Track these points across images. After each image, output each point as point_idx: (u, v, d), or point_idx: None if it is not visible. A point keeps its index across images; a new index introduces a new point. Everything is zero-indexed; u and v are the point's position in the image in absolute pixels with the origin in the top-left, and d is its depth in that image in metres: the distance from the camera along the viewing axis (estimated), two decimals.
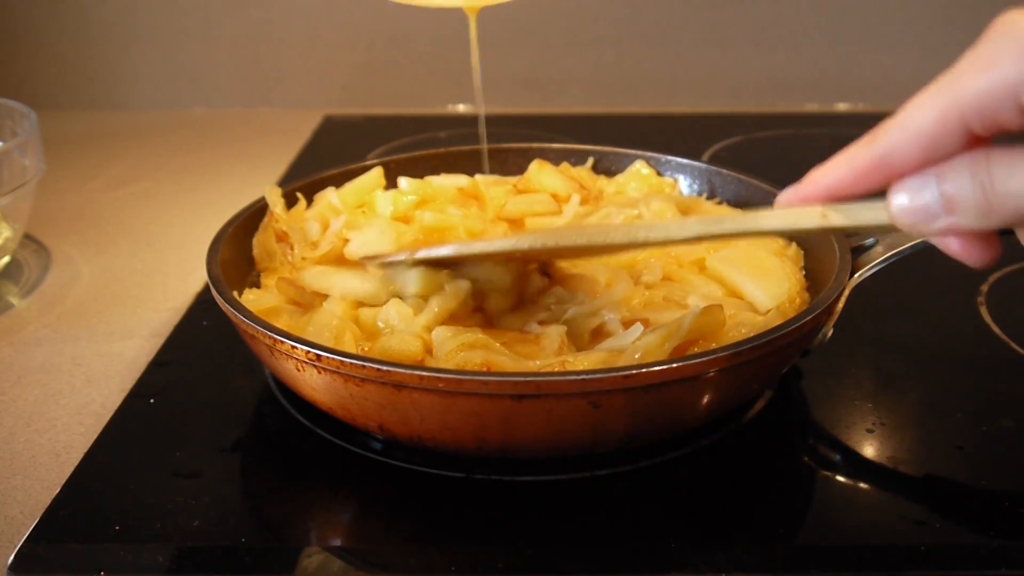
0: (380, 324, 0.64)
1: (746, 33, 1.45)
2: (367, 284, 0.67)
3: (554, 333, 0.62)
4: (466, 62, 1.48)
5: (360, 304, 0.66)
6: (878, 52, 1.45)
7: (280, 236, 0.76)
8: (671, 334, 0.59)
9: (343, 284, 0.67)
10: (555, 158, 0.91)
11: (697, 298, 0.66)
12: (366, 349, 0.62)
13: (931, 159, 0.41)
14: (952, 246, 0.46)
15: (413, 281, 0.64)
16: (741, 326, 0.63)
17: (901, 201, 0.43)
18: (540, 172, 0.86)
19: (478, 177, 0.88)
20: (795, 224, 0.50)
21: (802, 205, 0.48)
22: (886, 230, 0.49)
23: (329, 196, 0.82)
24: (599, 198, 0.86)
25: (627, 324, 0.63)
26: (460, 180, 0.84)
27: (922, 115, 0.40)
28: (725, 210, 0.82)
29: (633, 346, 0.59)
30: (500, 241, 0.64)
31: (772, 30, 1.45)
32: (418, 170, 0.90)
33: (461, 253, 0.64)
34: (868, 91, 1.47)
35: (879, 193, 0.45)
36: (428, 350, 0.61)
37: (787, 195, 0.49)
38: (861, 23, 1.44)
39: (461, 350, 0.59)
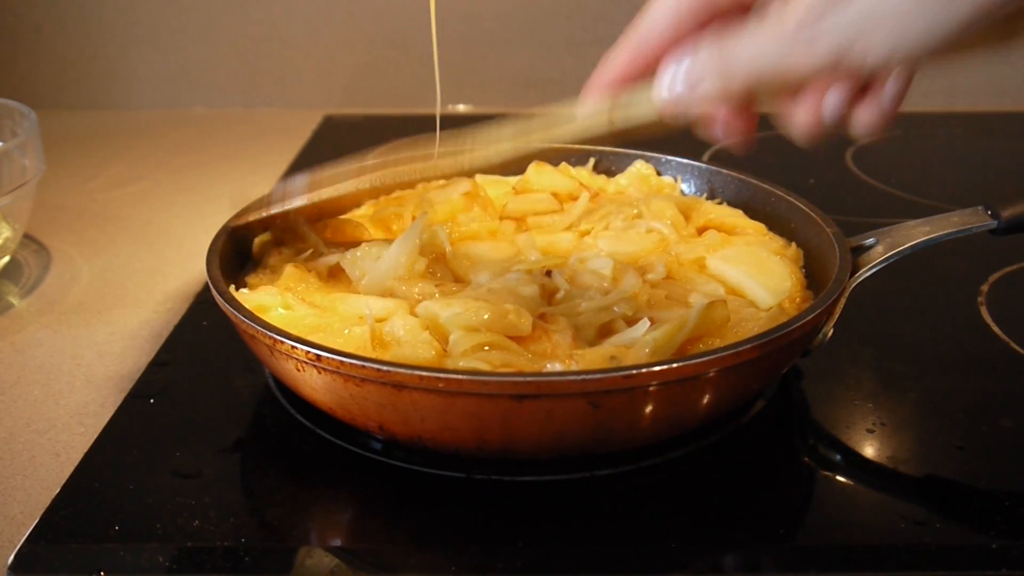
0: (386, 336, 0.63)
1: None
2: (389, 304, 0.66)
3: (565, 331, 0.62)
4: (466, 62, 1.48)
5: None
6: None
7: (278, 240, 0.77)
8: (679, 328, 0.59)
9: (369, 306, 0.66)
10: (555, 158, 0.91)
11: (699, 296, 0.66)
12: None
13: (678, 36, 0.52)
14: (717, 130, 0.54)
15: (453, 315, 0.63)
16: (745, 322, 0.63)
17: (660, 90, 0.51)
18: (539, 173, 0.86)
19: (479, 178, 0.89)
20: (586, 132, 0.57)
21: (593, 100, 0.57)
22: (656, 124, 0.54)
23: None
24: (598, 196, 0.86)
25: (630, 322, 0.63)
26: (463, 186, 0.83)
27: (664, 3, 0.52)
28: (725, 210, 0.82)
29: (642, 340, 0.59)
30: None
31: None
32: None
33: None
34: None
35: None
36: (442, 357, 0.60)
37: (614, 66, 0.56)
38: None
39: (477, 351, 0.59)
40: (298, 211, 0.77)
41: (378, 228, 0.82)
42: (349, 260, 0.71)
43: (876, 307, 0.79)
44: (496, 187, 0.88)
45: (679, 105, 0.50)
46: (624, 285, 0.68)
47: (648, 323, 0.61)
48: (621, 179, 0.90)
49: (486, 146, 0.63)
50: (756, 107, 0.53)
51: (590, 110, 0.57)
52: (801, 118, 0.51)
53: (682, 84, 0.50)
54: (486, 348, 0.59)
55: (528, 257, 0.74)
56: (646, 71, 0.54)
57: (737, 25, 0.48)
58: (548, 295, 0.68)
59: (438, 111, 0.88)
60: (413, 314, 0.65)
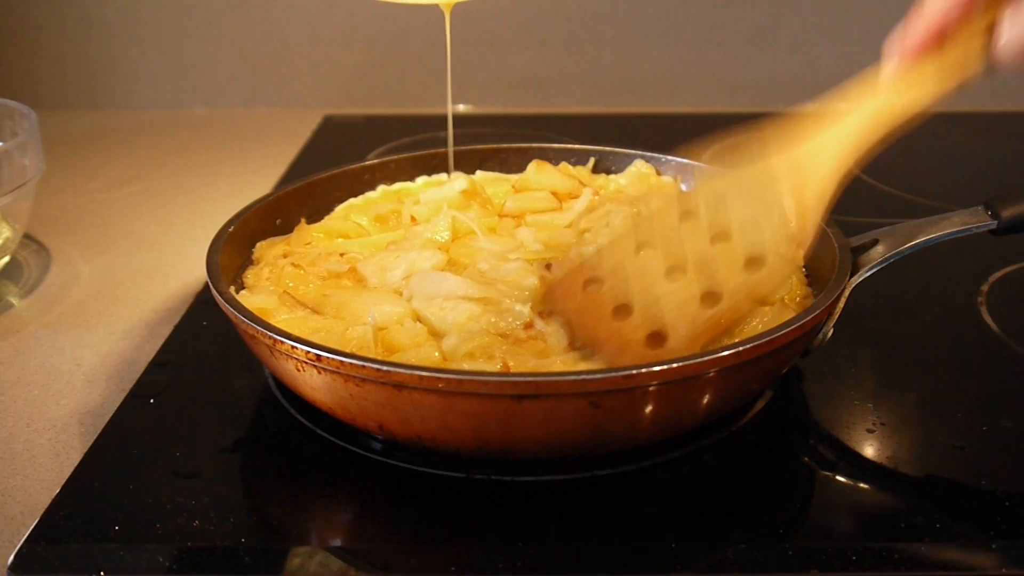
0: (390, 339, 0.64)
1: (746, 33, 1.45)
2: (398, 308, 0.66)
3: (559, 331, 0.62)
4: (466, 62, 1.48)
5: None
6: (878, 52, 1.45)
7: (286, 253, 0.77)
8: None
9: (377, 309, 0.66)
10: (555, 158, 0.91)
11: None
12: None
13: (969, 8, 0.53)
14: None
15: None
16: (750, 318, 0.63)
17: (1004, 38, 0.52)
18: (539, 173, 0.86)
19: (479, 175, 0.89)
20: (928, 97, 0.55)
21: (915, 55, 0.56)
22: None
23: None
24: (598, 195, 0.86)
25: None
26: (459, 183, 0.84)
27: None
28: None
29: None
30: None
31: (772, 30, 1.45)
32: (417, 170, 0.90)
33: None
34: None
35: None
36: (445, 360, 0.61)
37: (901, 44, 0.57)
38: (861, 23, 1.44)
39: (478, 351, 0.59)
40: (297, 209, 0.78)
41: (375, 225, 0.82)
42: (367, 266, 0.72)
43: (876, 307, 0.79)
44: (495, 185, 0.88)
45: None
46: None
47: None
48: (620, 179, 0.90)
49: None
50: None
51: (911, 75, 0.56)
52: None
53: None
54: (484, 348, 0.59)
55: (531, 248, 0.74)
56: (941, 40, 0.55)
57: None
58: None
59: (449, 113, 0.88)
60: (415, 317, 0.65)
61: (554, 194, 0.84)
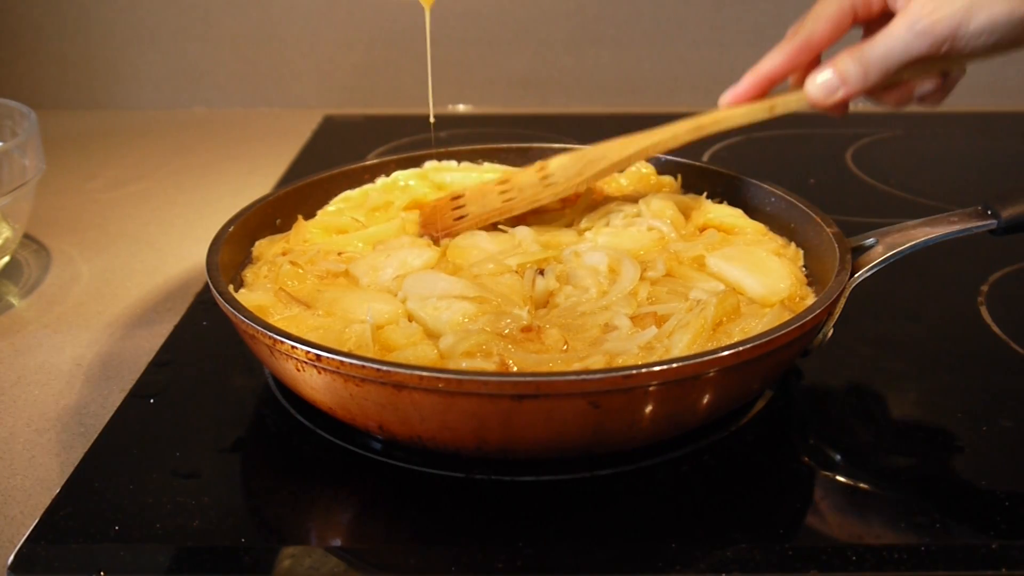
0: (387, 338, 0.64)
1: (746, 33, 1.45)
2: (391, 307, 0.66)
3: (556, 331, 0.62)
4: (467, 62, 1.48)
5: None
6: None
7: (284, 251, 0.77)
8: (704, 323, 0.61)
9: (373, 308, 0.66)
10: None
11: (700, 292, 0.66)
12: None
13: (836, 36, 0.70)
14: (838, 110, 0.69)
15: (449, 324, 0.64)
16: (751, 318, 0.63)
17: (812, 88, 0.68)
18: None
19: (486, 166, 0.89)
20: (749, 119, 0.73)
21: (748, 102, 0.73)
22: (804, 109, 0.71)
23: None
24: (602, 193, 0.86)
25: (635, 320, 0.63)
26: (490, 175, 0.86)
27: (828, 9, 0.69)
28: (725, 209, 0.82)
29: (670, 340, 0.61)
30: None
31: (771, 30, 1.44)
32: None
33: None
34: None
35: (802, 74, 0.71)
36: (443, 358, 0.61)
37: (733, 94, 0.73)
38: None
39: (475, 350, 0.59)
40: (297, 209, 0.78)
41: (371, 216, 0.82)
42: (358, 266, 0.72)
43: (876, 307, 0.79)
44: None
45: (825, 101, 0.68)
46: (623, 279, 0.68)
47: (655, 330, 0.61)
48: (621, 179, 0.90)
49: (662, 138, 0.77)
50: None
51: (751, 106, 0.73)
52: (895, 96, 0.69)
53: (827, 89, 0.67)
54: (481, 348, 0.59)
55: (528, 249, 0.74)
56: (800, 67, 0.72)
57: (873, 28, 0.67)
58: (547, 294, 0.68)
59: (431, 111, 0.89)
60: (409, 318, 0.65)
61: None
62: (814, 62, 0.71)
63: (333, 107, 1.49)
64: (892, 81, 0.67)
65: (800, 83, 0.70)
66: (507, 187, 0.82)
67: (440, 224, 0.79)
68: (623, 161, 0.79)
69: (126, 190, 1.17)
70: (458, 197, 0.83)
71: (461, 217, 0.79)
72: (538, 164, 0.85)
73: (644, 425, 0.56)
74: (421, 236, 0.78)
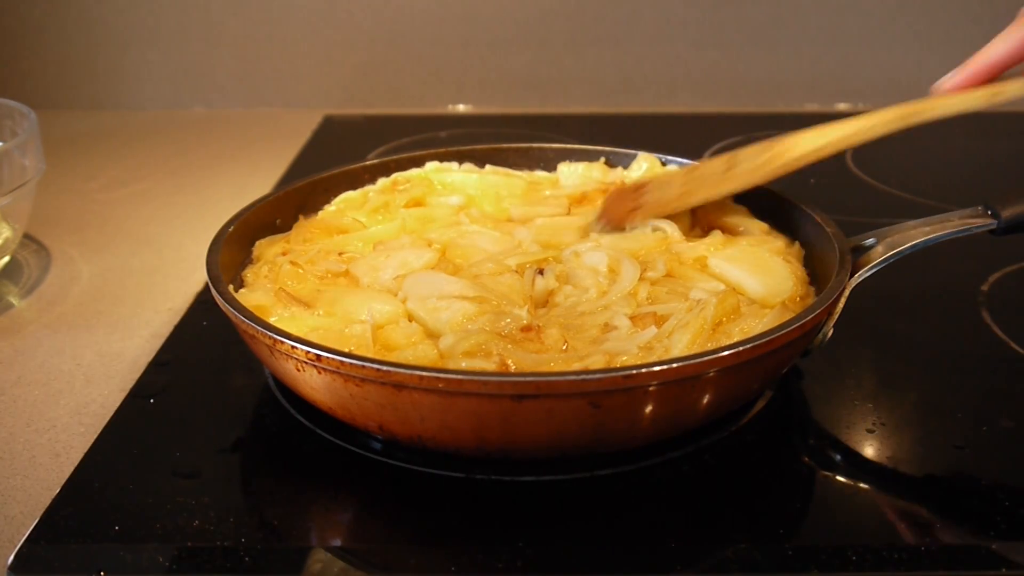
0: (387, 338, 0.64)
1: (746, 33, 1.45)
2: (390, 307, 0.66)
3: (556, 330, 0.62)
4: (467, 62, 1.48)
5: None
6: (878, 52, 1.45)
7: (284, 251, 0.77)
8: (703, 323, 0.61)
9: (373, 307, 0.66)
10: (555, 158, 0.91)
11: (700, 292, 0.66)
12: None
13: (1013, 62, 0.64)
14: None
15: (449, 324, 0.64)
16: (751, 318, 0.63)
17: None
18: (569, 175, 0.89)
19: (488, 168, 0.89)
20: (963, 107, 0.68)
21: (967, 89, 0.67)
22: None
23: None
24: (605, 192, 0.86)
25: (635, 320, 0.63)
26: (454, 199, 0.85)
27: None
28: (731, 208, 0.81)
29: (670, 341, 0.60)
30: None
31: (772, 30, 1.45)
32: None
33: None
34: (868, 91, 1.46)
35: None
36: (443, 358, 0.61)
37: (953, 81, 0.68)
38: (861, 23, 1.44)
39: (475, 350, 0.59)
40: (297, 209, 0.78)
41: (372, 217, 0.82)
42: (359, 266, 0.72)
43: (876, 307, 0.79)
44: (508, 181, 0.88)
45: None
46: (623, 279, 0.68)
47: (655, 330, 0.61)
48: (628, 180, 0.90)
49: (859, 128, 0.71)
50: None
51: (969, 93, 0.68)
52: None
53: None
54: (481, 348, 0.59)
55: (528, 249, 0.74)
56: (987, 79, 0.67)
57: None
58: (547, 293, 0.68)
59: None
60: (409, 318, 0.65)
61: (569, 198, 0.85)
62: None
63: (333, 107, 1.49)
64: None
65: None
66: (690, 177, 0.80)
67: (618, 212, 0.79)
68: (813, 153, 0.73)
69: (126, 190, 1.17)
70: (642, 185, 0.81)
71: (637, 208, 0.78)
72: (728, 154, 0.79)
73: (644, 425, 0.56)
74: (599, 221, 0.79)
